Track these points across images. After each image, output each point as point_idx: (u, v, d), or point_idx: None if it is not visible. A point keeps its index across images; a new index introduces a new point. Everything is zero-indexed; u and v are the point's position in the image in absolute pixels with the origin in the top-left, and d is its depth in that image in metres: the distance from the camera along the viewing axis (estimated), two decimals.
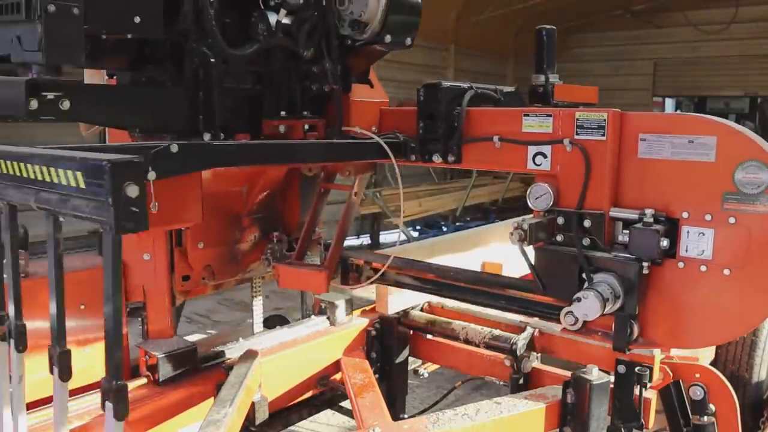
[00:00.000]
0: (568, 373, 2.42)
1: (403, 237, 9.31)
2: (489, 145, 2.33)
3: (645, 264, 2.05)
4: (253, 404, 2.54)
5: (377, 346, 3.00)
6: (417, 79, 2.85)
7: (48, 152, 1.40)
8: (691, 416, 2.51)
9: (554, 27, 2.83)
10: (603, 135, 2.10)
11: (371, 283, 2.77)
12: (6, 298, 1.67)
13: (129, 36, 1.88)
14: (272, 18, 2.18)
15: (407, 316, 3.08)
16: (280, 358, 2.78)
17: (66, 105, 1.80)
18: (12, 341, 1.67)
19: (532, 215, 2.28)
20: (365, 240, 10.58)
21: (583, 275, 2.13)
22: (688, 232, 2.02)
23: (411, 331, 3.05)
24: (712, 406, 2.45)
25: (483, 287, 2.49)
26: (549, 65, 2.76)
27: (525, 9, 13.06)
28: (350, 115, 2.48)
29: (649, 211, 2.03)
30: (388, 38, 2.31)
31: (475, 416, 2.25)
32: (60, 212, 1.40)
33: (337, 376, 2.94)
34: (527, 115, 2.25)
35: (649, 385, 2.30)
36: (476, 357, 2.84)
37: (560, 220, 2.19)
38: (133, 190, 1.23)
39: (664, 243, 2.01)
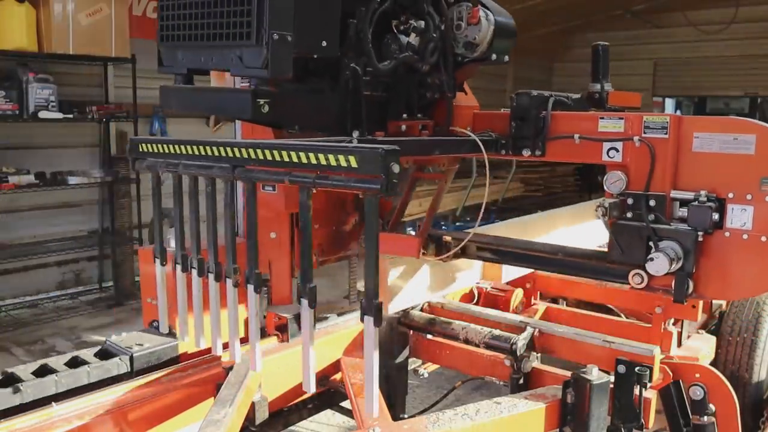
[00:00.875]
0: (568, 373, 2.66)
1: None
2: (570, 142, 3.01)
3: (700, 233, 2.66)
4: (253, 404, 2.76)
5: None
6: None
7: (321, 145, 2.11)
8: (691, 416, 2.77)
9: (608, 43, 3.59)
10: (666, 134, 2.78)
11: (456, 258, 3.46)
12: (248, 255, 2.38)
13: (315, 56, 2.60)
14: (402, 39, 2.91)
15: (407, 316, 3.29)
16: (280, 358, 2.99)
17: (266, 109, 2.51)
18: (251, 286, 2.38)
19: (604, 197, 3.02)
20: None
21: (651, 243, 2.81)
22: (732, 208, 2.65)
23: (411, 331, 3.28)
24: (712, 406, 2.74)
25: (563, 257, 3.11)
26: (604, 75, 3.51)
27: (525, 9, 13.68)
28: (452, 117, 3.20)
29: (703, 192, 2.70)
30: (493, 57, 3.02)
31: (475, 416, 2.41)
32: (319, 185, 2.07)
33: (337, 376, 3.18)
34: (602, 118, 2.95)
35: (649, 385, 2.60)
36: (476, 357, 3.05)
37: (630, 201, 2.85)
38: (396, 168, 1.93)
39: (715, 217, 2.66)
